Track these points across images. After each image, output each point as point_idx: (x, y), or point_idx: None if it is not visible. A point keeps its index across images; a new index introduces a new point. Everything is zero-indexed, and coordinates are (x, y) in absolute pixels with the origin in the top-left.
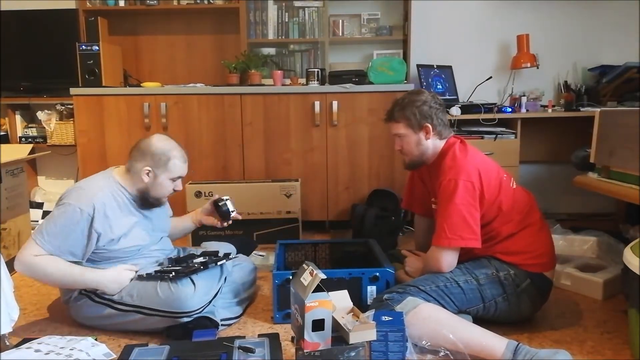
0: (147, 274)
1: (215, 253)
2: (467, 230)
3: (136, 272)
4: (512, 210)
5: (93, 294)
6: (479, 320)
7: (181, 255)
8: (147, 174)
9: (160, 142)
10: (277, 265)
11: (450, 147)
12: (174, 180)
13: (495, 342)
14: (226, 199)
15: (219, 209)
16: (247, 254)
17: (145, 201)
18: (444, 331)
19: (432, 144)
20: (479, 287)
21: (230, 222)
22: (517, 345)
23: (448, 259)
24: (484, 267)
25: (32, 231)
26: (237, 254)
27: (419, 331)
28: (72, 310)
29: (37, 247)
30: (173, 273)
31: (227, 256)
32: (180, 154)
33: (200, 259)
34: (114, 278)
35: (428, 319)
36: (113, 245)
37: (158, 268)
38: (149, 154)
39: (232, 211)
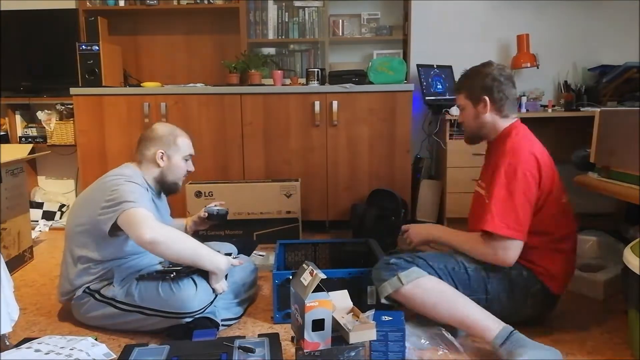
0: (148, 273)
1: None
2: (520, 223)
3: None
4: (549, 224)
5: (97, 293)
6: None
7: None
8: (162, 157)
9: (162, 126)
10: (277, 265)
11: (516, 130)
12: (185, 159)
13: (491, 324)
14: (215, 209)
15: (215, 218)
16: (248, 254)
17: (164, 187)
18: (443, 306)
19: (492, 118)
20: (486, 279)
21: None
22: (512, 331)
23: (503, 250)
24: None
25: (122, 205)
26: (238, 254)
27: (420, 300)
28: (74, 309)
29: (141, 209)
30: (174, 273)
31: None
32: (183, 132)
33: None
34: (221, 260)
35: (431, 290)
36: None
37: (159, 268)
38: (157, 139)
39: (225, 213)
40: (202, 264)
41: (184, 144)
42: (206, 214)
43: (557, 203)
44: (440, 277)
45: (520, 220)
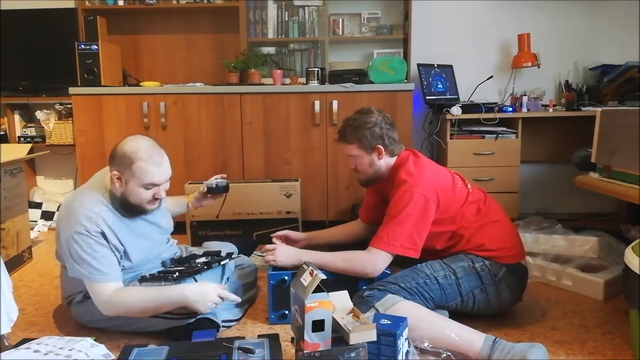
0: (150, 274)
1: (218, 253)
2: (409, 241)
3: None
4: (470, 214)
5: None
6: (461, 314)
7: (183, 256)
8: (118, 179)
9: (127, 144)
10: (272, 266)
11: (404, 161)
12: (146, 187)
13: (473, 337)
14: (215, 182)
15: (215, 190)
16: (248, 254)
17: (130, 210)
18: (423, 328)
19: (385, 162)
20: (457, 281)
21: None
22: (495, 339)
23: (380, 262)
24: (461, 261)
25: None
26: (238, 254)
27: None
28: (73, 312)
29: (100, 285)
30: (177, 273)
31: (229, 256)
32: (147, 155)
33: (203, 259)
34: (198, 291)
35: (408, 315)
36: (128, 258)
37: (161, 269)
38: (114, 158)
39: (226, 184)
40: (175, 304)
41: (141, 172)
42: (205, 188)
43: (465, 199)
44: (416, 296)
45: (414, 239)
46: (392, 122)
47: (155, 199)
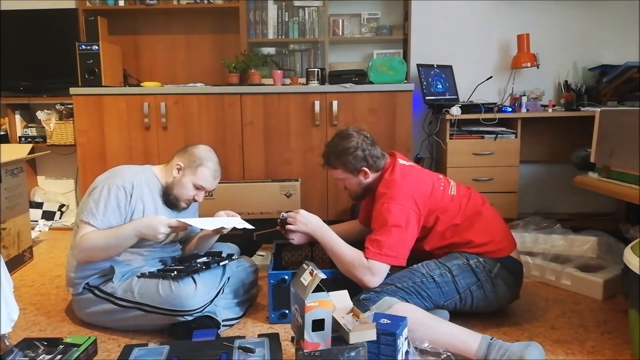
0: (149, 272)
1: (219, 253)
2: (392, 249)
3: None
4: (453, 214)
5: (96, 289)
6: (459, 314)
7: (184, 255)
8: (178, 169)
9: (203, 150)
10: (272, 265)
11: (383, 173)
12: (197, 187)
13: (469, 338)
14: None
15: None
16: (250, 254)
17: (167, 197)
18: (420, 329)
19: (372, 178)
20: (453, 278)
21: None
22: (491, 339)
23: (377, 272)
24: (456, 259)
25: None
26: (240, 254)
27: None
28: (74, 304)
29: (86, 227)
30: (175, 272)
31: (230, 257)
32: (213, 167)
33: (203, 259)
34: (147, 223)
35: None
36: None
37: (161, 267)
38: (187, 154)
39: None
40: (131, 238)
41: (202, 175)
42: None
43: (448, 201)
44: (413, 295)
45: (396, 249)
46: (373, 139)
47: (192, 200)
